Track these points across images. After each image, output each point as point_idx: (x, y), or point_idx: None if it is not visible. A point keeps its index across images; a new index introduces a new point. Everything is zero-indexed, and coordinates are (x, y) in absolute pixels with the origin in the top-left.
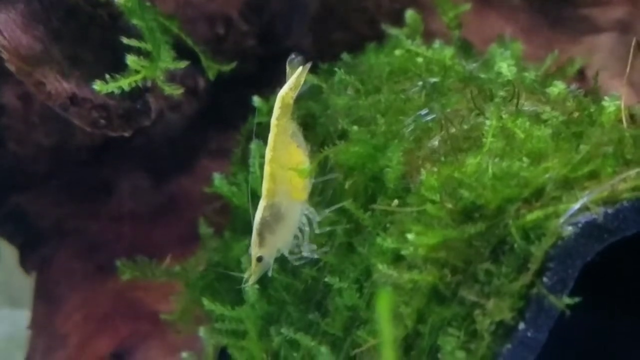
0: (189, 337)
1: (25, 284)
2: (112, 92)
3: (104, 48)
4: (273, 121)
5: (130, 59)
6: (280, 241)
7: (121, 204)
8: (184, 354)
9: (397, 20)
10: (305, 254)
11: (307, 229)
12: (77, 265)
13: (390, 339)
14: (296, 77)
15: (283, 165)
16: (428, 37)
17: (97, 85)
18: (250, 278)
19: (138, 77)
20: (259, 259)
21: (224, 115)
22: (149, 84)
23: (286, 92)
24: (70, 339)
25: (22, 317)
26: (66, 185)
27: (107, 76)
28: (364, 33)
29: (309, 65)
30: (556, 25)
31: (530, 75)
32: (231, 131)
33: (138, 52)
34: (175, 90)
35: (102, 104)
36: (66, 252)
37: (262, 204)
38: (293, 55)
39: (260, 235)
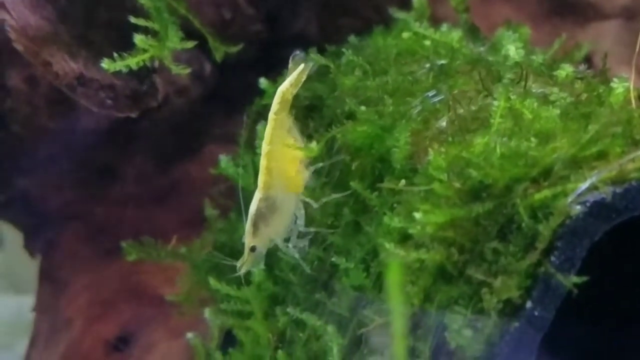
0: (194, 320)
1: (29, 269)
2: (119, 73)
3: (111, 29)
4: (271, 115)
5: (138, 38)
6: (274, 232)
7: (126, 188)
8: (189, 335)
9: (404, 6)
10: (291, 246)
11: (300, 222)
12: (82, 249)
13: (400, 311)
14: (298, 73)
15: (279, 159)
16: (435, 22)
17: (105, 64)
18: (242, 267)
19: (146, 56)
20: (252, 249)
21: (229, 100)
22: (156, 64)
23: (286, 88)
24: (74, 322)
25: (27, 302)
26: (71, 168)
27: (115, 55)
28: (370, 18)
29: (311, 63)
30: (562, 12)
31: (538, 58)
32: (237, 116)
33: (146, 31)
34: (182, 70)
35: (109, 85)
36: (71, 236)
37: (257, 195)
38: (297, 52)
39: (255, 225)
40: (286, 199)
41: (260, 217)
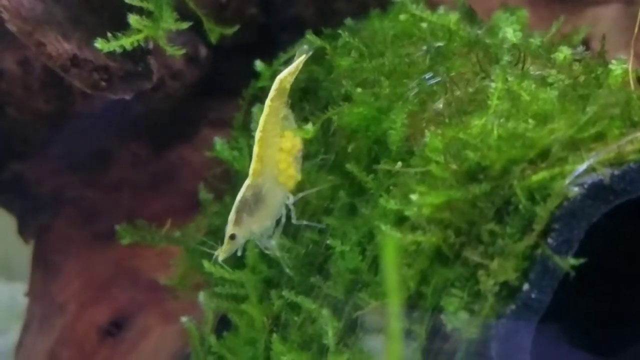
0: (187, 305)
1: (22, 256)
2: (114, 54)
3: (105, 10)
4: (267, 102)
5: (133, 18)
6: (256, 224)
7: (120, 172)
8: (184, 318)
9: None
10: (270, 244)
11: (283, 220)
12: (76, 234)
13: (396, 292)
14: (297, 62)
15: (271, 146)
16: (432, 7)
17: (99, 44)
18: (219, 254)
19: (140, 36)
20: (232, 237)
21: (225, 84)
22: (150, 46)
23: (285, 76)
24: (68, 307)
25: (20, 289)
26: (65, 152)
27: (109, 35)
28: (366, 2)
29: (310, 52)
30: None
31: (535, 41)
32: (232, 101)
33: (140, 12)
34: (177, 51)
35: (103, 66)
36: (65, 220)
37: (246, 182)
38: (306, 47)
39: (238, 213)
40: (274, 191)
41: (244, 206)
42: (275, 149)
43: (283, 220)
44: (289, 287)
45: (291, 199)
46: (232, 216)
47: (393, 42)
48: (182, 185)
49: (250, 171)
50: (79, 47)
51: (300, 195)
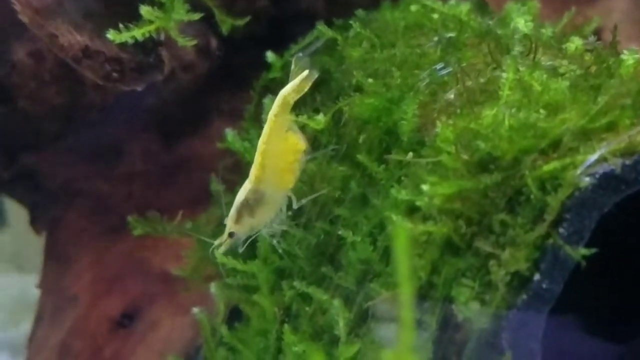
0: (199, 297)
1: (33, 249)
2: (125, 45)
3: (117, 1)
4: (270, 116)
5: (144, 9)
6: (257, 223)
7: (132, 164)
8: (195, 310)
9: None
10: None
11: (283, 216)
12: (87, 226)
13: (407, 280)
14: (301, 80)
15: (273, 157)
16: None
17: (111, 34)
18: (219, 249)
19: (152, 27)
20: (231, 235)
21: (236, 76)
22: (162, 37)
23: (288, 93)
24: (80, 299)
25: (32, 281)
26: (77, 145)
27: (121, 26)
28: None
29: (316, 73)
30: None
31: (547, 32)
32: (243, 93)
33: (152, 3)
34: (188, 42)
35: (115, 57)
36: (76, 213)
37: (247, 185)
38: (300, 54)
39: (239, 213)
40: (275, 195)
41: (245, 207)
42: (278, 160)
43: (283, 216)
44: (300, 277)
45: (294, 202)
46: (232, 214)
47: (404, 33)
48: (194, 177)
49: (252, 177)
50: (91, 39)
51: (303, 201)
